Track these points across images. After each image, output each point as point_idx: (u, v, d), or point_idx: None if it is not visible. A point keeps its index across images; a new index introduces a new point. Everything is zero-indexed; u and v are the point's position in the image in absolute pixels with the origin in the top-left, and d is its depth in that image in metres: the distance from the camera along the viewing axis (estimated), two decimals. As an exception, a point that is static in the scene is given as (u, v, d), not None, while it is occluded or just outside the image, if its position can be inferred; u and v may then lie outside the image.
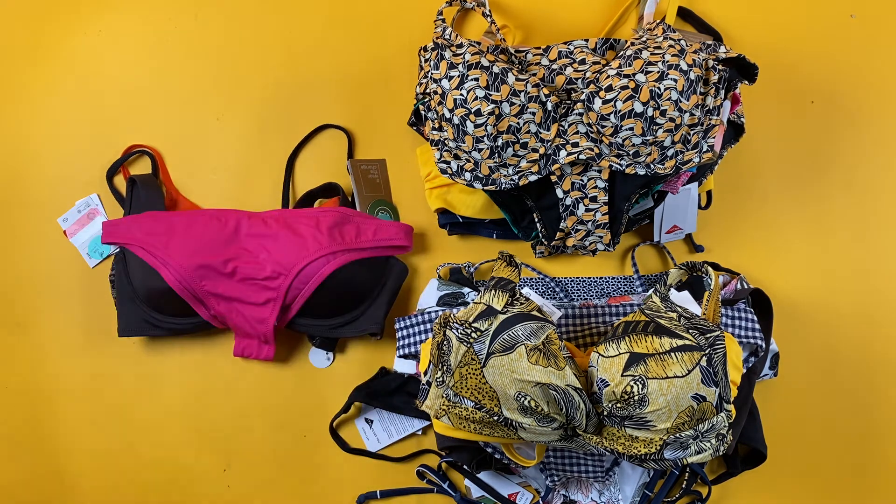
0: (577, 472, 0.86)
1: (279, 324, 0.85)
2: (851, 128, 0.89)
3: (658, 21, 0.80)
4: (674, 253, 0.90)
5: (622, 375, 0.64)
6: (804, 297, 0.88)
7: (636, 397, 0.63)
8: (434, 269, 0.90)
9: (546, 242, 0.84)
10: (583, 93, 0.76)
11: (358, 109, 0.94)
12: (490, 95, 0.72)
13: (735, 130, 0.83)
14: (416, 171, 0.92)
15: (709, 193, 0.87)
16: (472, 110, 0.73)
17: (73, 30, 0.96)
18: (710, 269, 0.72)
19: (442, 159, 0.79)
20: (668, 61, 0.72)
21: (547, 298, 0.88)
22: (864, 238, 0.88)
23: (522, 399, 0.65)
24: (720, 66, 0.76)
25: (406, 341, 0.84)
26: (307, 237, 0.83)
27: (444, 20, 0.79)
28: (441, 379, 0.68)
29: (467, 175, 0.78)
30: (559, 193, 0.79)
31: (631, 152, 0.75)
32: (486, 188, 0.79)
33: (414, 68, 0.91)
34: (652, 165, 0.76)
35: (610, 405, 0.65)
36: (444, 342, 0.68)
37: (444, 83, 0.74)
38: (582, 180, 0.79)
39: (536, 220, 0.83)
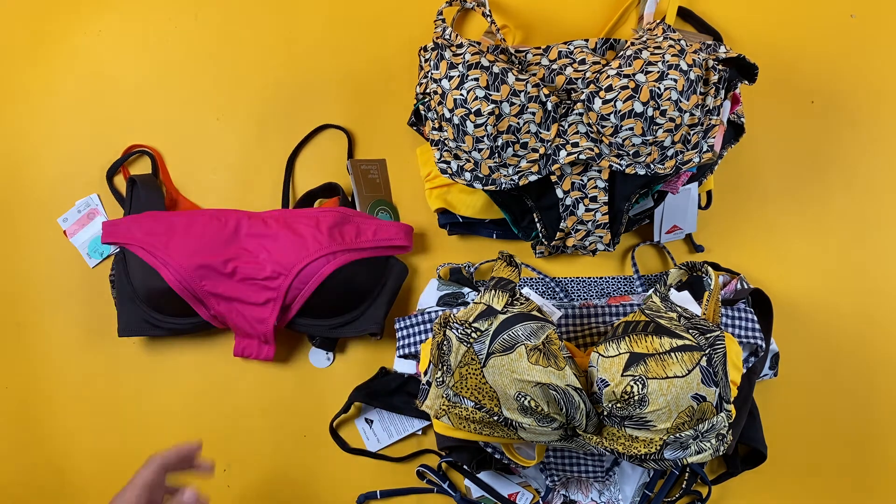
0: (577, 472, 0.86)
1: (279, 324, 0.85)
2: (851, 128, 0.89)
3: (658, 21, 0.80)
4: (674, 253, 0.90)
5: (622, 375, 0.64)
6: (804, 297, 0.88)
7: (636, 397, 0.63)
8: (434, 269, 0.90)
9: (546, 242, 0.84)
10: (583, 93, 0.76)
11: (358, 109, 0.94)
12: (490, 95, 0.72)
13: (735, 130, 0.83)
14: (416, 171, 0.92)
15: (709, 193, 0.87)
16: (472, 110, 0.73)
17: (73, 30, 0.96)
18: (710, 269, 0.72)
19: (442, 159, 0.79)
20: (668, 61, 0.72)
21: (547, 298, 0.88)
22: (864, 238, 0.88)
23: (522, 399, 0.65)
24: (720, 66, 0.76)
25: (406, 341, 0.84)
26: (307, 237, 0.83)
27: (444, 20, 0.79)
28: (441, 379, 0.68)
29: (467, 175, 0.78)
30: (559, 193, 0.79)
31: (631, 152, 0.75)
32: (486, 188, 0.79)
33: (414, 68, 0.91)
34: (652, 165, 0.76)
35: (610, 405, 0.65)
36: (444, 342, 0.68)
37: (444, 83, 0.74)
38: (582, 180, 0.79)
39: (536, 220, 0.83)
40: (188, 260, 0.81)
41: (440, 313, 0.78)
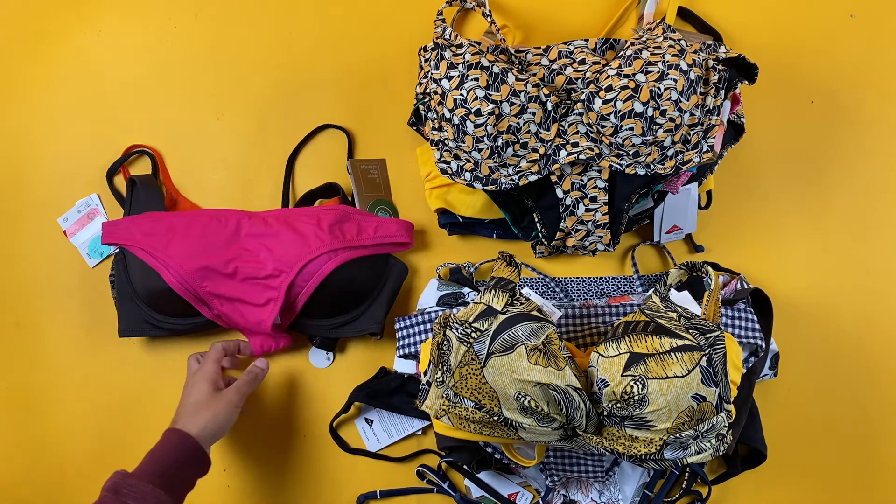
0: (577, 472, 0.86)
1: (283, 323, 0.85)
2: (851, 128, 0.89)
3: (658, 21, 0.80)
4: (674, 253, 0.90)
5: (622, 375, 0.64)
6: (804, 297, 0.88)
7: (636, 397, 0.63)
8: (434, 269, 0.90)
9: (546, 242, 0.84)
10: (583, 93, 0.76)
11: (358, 109, 0.94)
12: (490, 95, 0.72)
13: (735, 130, 0.83)
14: (416, 171, 0.92)
15: (709, 193, 0.87)
16: (472, 110, 0.73)
17: (73, 30, 0.96)
18: (710, 269, 0.72)
19: (442, 159, 0.79)
20: (668, 61, 0.72)
21: (547, 298, 0.88)
22: (864, 238, 0.88)
23: (522, 399, 0.65)
24: (720, 66, 0.76)
25: (406, 341, 0.84)
26: (308, 235, 0.83)
27: (444, 20, 0.79)
28: (441, 379, 0.68)
29: (467, 175, 0.78)
30: (559, 193, 0.79)
31: (631, 152, 0.75)
32: (486, 188, 0.79)
33: (414, 68, 0.91)
34: (652, 165, 0.76)
35: (610, 405, 0.65)
36: (444, 342, 0.68)
37: (444, 83, 0.74)
38: (582, 180, 0.79)
39: (536, 220, 0.83)
40: (189, 261, 0.81)
41: (440, 313, 0.78)
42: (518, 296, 0.69)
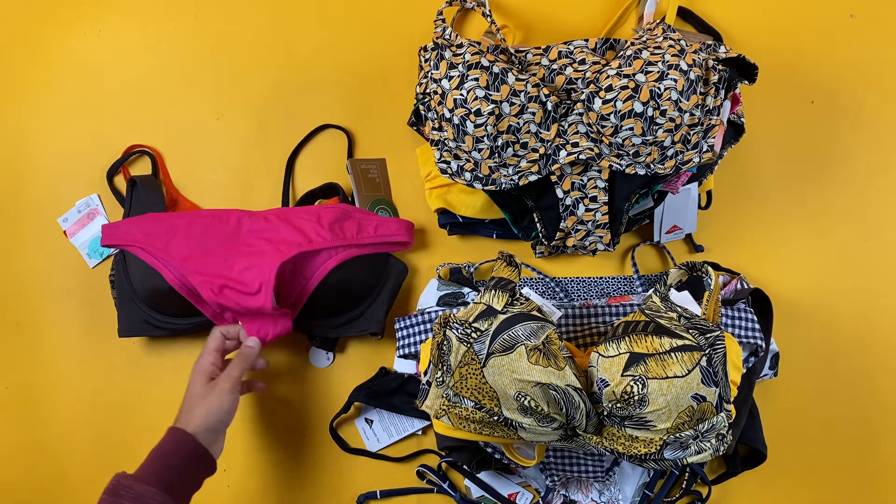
0: (577, 472, 0.86)
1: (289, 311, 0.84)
2: (851, 128, 0.89)
3: (658, 21, 0.80)
4: (674, 253, 0.90)
5: (622, 375, 0.64)
6: (804, 297, 0.88)
7: (636, 397, 0.63)
8: (434, 269, 0.90)
9: (546, 242, 0.84)
10: (583, 93, 0.76)
11: (358, 109, 0.94)
12: (490, 95, 0.72)
13: (735, 130, 0.83)
14: (415, 170, 0.92)
15: (709, 193, 0.87)
16: (472, 110, 0.73)
17: (73, 30, 0.96)
18: (710, 269, 0.72)
19: (442, 159, 0.79)
20: (668, 61, 0.72)
21: (547, 298, 0.88)
22: (864, 238, 0.88)
23: (522, 399, 0.65)
24: (720, 66, 0.76)
25: (406, 341, 0.84)
26: (309, 232, 0.83)
27: (444, 20, 0.79)
28: (441, 379, 0.68)
29: (467, 175, 0.78)
30: (559, 193, 0.79)
31: (631, 152, 0.75)
32: (486, 188, 0.79)
33: (414, 68, 0.91)
34: (652, 165, 0.76)
35: (610, 405, 0.65)
36: (444, 342, 0.68)
37: (444, 83, 0.74)
38: (582, 180, 0.79)
39: (536, 220, 0.83)
40: (189, 260, 0.81)
41: (440, 313, 0.78)
42: (518, 296, 0.69)
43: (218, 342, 0.82)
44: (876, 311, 0.88)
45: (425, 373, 0.73)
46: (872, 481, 0.88)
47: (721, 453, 0.67)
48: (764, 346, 0.78)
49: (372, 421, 0.91)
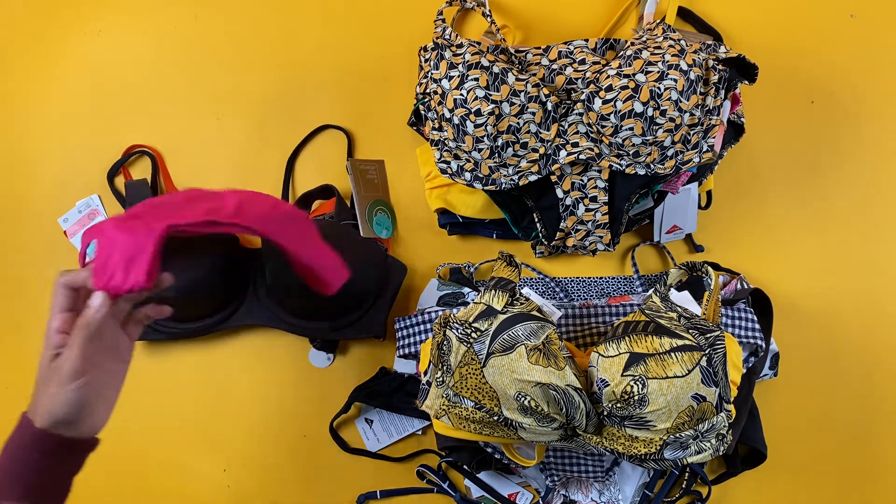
0: (577, 472, 0.86)
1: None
2: (851, 128, 0.89)
3: (658, 21, 0.80)
4: (674, 253, 0.90)
5: (622, 375, 0.64)
6: (804, 297, 0.88)
7: (636, 397, 0.63)
8: (434, 269, 0.90)
9: (546, 242, 0.84)
10: (583, 93, 0.76)
11: (358, 109, 0.94)
12: (490, 95, 0.72)
13: (735, 130, 0.83)
14: (415, 171, 0.92)
15: (709, 193, 0.87)
16: (472, 110, 0.73)
17: (73, 30, 0.96)
18: (710, 269, 0.72)
19: (442, 159, 0.79)
20: (668, 61, 0.72)
21: (547, 298, 0.88)
22: (865, 238, 0.88)
23: (522, 399, 0.65)
24: (720, 66, 0.76)
25: (406, 341, 0.84)
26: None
27: (444, 20, 0.79)
28: (441, 379, 0.68)
29: (467, 175, 0.79)
30: (559, 193, 0.79)
31: (631, 152, 0.75)
32: (486, 188, 0.79)
33: (414, 68, 0.91)
34: (652, 165, 0.76)
35: (610, 405, 0.65)
36: (444, 342, 0.68)
37: (444, 83, 0.74)
38: (582, 180, 0.79)
39: (536, 220, 0.83)
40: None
41: (440, 313, 0.78)
42: (518, 296, 0.69)
43: (63, 299, 0.60)
44: (876, 310, 0.88)
45: (425, 373, 0.73)
46: (872, 481, 0.88)
47: (721, 453, 0.67)
48: (764, 346, 0.78)
49: (372, 421, 0.91)
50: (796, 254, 0.89)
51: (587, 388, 0.67)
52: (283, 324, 0.87)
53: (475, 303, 0.69)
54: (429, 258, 0.92)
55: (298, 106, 0.94)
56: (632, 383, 0.63)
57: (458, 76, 0.73)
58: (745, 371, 0.79)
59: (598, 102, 0.74)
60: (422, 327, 0.83)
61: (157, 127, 0.95)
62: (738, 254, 0.89)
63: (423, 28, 0.90)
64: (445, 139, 0.77)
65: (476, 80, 0.73)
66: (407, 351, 0.84)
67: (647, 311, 0.68)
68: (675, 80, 0.71)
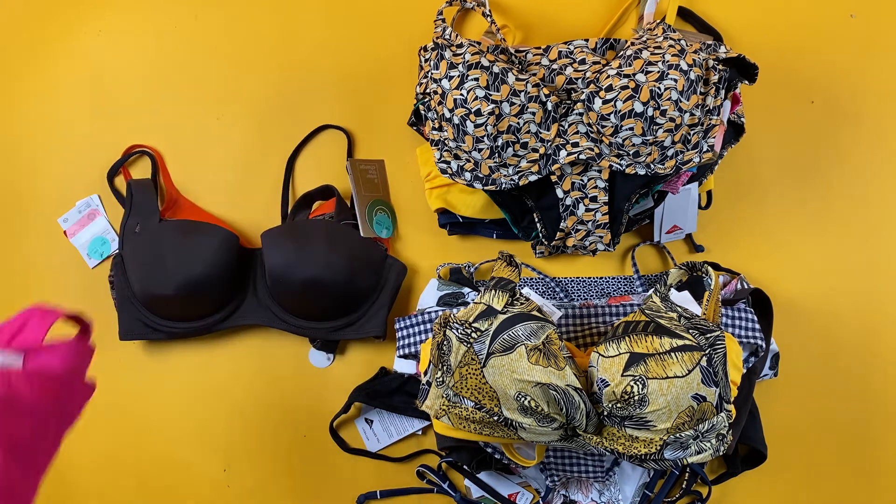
0: (577, 472, 0.86)
1: None
2: (851, 128, 0.89)
3: (658, 21, 0.80)
4: (674, 253, 0.90)
5: (622, 375, 0.64)
6: (804, 297, 0.88)
7: (636, 397, 0.63)
8: (434, 269, 0.90)
9: (546, 242, 0.84)
10: (583, 93, 0.76)
11: (358, 109, 0.94)
12: (490, 95, 0.72)
13: (735, 130, 0.83)
14: (415, 171, 0.92)
15: (709, 193, 0.87)
16: (472, 110, 0.73)
17: (73, 30, 0.96)
18: (710, 269, 0.72)
19: (442, 159, 0.79)
20: (668, 61, 0.72)
21: (547, 298, 0.88)
22: (865, 238, 0.88)
23: (522, 399, 0.65)
24: (720, 66, 0.76)
25: (406, 341, 0.84)
26: None
27: (444, 20, 0.79)
28: (441, 379, 0.68)
29: (467, 175, 0.79)
30: (559, 193, 0.79)
31: (631, 152, 0.75)
32: (486, 188, 0.79)
33: (414, 68, 0.91)
34: (652, 165, 0.76)
35: (610, 405, 0.65)
36: (444, 342, 0.68)
37: (444, 83, 0.74)
38: (582, 180, 0.79)
39: (536, 220, 0.83)
40: None
41: (440, 313, 0.78)
42: (518, 296, 0.69)
43: None
44: (876, 310, 0.88)
45: (425, 373, 0.73)
46: (872, 481, 0.88)
47: (721, 453, 0.67)
48: (764, 346, 0.78)
49: (372, 421, 0.91)
50: (796, 254, 0.89)
51: (587, 388, 0.67)
52: (283, 324, 0.87)
53: (475, 303, 0.69)
54: (429, 258, 0.92)
55: (298, 106, 0.94)
56: (632, 383, 0.63)
57: (458, 76, 0.73)
58: (745, 371, 0.79)
59: (598, 102, 0.74)
60: (422, 327, 0.83)
61: (157, 127, 0.95)
62: (738, 254, 0.89)
63: (423, 28, 0.90)
64: (445, 139, 0.77)
65: (476, 80, 0.73)
66: (407, 351, 0.84)
67: (647, 311, 0.68)
68: (676, 80, 0.71)
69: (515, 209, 0.84)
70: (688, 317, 0.67)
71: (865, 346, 0.88)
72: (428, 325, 0.83)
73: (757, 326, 0.77)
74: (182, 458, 0.93)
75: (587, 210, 0.80)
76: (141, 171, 0.94)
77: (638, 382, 0.63)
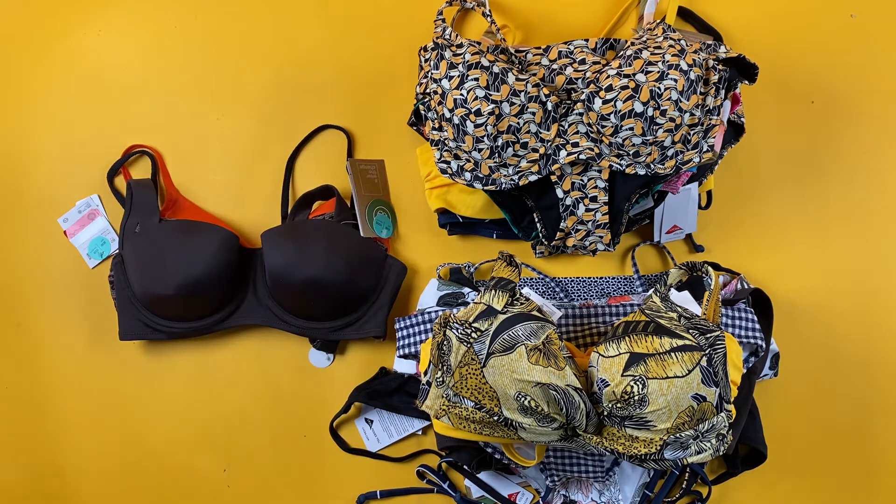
0: (577, 472, 0.86)
1: None
2: (851, 128, 0.89)
3: (658, 21, 0.80)
4: (674, 253, 0.90)
5: (622, 375, 0.64)
6: (804, 297, 0.88)
7: (636, 397, 0.63)
8: (434, 269, 0.90)
9: (546, 242, 0.84)
10: (583, 93, 0.76)
11: (358, 109, 0.94)
12: (490, 95, 0.72)
13: (735, 130, 0.83)
14: (415, 171, 0.92)
15: (709, 193, 0.87)
16: (472, 110, 0.73)
17: (73, 29, 0.96)
18: (710, 269, 0.72)
19: (442, 159, 0.79)
20: (668, 61, 0.72)
21: (547, 298, 0.88)
22: (865, 238, 0.88)
23: (522, 399, 0.65)
24: (720, 66, 0.76)
25: (406, 341, 0.84)
26: None
27: (444, 20, 0.79)
28: (441, 379, 0.68)
29: (467, 175, 0.79)
30: (559, 193, 0.79)
31: (631, 152, 0.75)
32: (486, 188, 0.79)
33: (414, 68, 0.91)
34: (652, 165, 0.76)
35: (610, 405, 0.65)
36: (444, 342, 0.68)
37: (444, 83, 0.74)
38: (582, 180, 0.79)
39: (536, 220, 0.83)
40: None
41: (440, 313, 0.78)
42: (518, 296, 0.69)
43: None
44: (876, 310, 0.88)
45: (425, 373, 0.73)
46: (872, 481, 0.88)
47: (721, 453, 0.67)
48: (764, 346, 0.78)
49: (372, 421, 0.91)
50: (796, 254, 0.89)
51: (587, 388, 0.67)
52: (283, 324, 0.87)
53: (475, 303, 0.69)
54: (429, 258, 0.92)
55: (298, 106, 0.94)
56: (632, 383, 0.63)
57: (458, 76, 0.73)
58: (745, 371, 0.79)
59: (598, 102, 0.74)
60: (422, 327, 0.83)
61: (156, 127, 0.95)
62: (738, 254, 0.89)
63: (423, 28, 0.90)
64: (445, 139, 0.77)
65: (476, 80, 0.73)
66: (407, 351, 0.84)
67: (647, 311, 0.68)
68: (676, 80, 0.71)
69: (515, 209, 0.84)
70: (688, 317, 0.67)
71: (865, 346, 0.88)
72: (428, 325, 0.83)
73: (757, 326, 0.77)
74: (182, 458, 0.93)
75: (587, 210, 0.80)
76: (141, 171, 0.94)
77: (638, 382, 0.63)
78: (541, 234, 0.84)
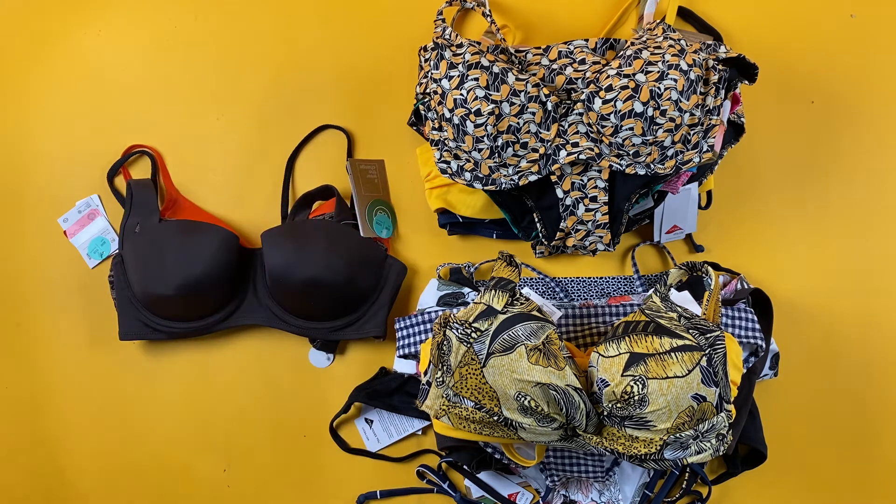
0: (577, 472, 0.86)
1: None
2: (851, 128, 0.89)
3: (658, 21, 0.80)
4: (674, 253, 0.90)
5: (622, 375, 0.64)
6: (804, 297, 0.88)
7: (636, 397, 0.63)
8: (434, 269, 0.90)
9: (546, 242, 0.84)
10: (583, 93, 0.76)
11: (358, 109, 0.94)
12: (490, 95, 0.72)
13: (735, 130, 0.83)
14: (415, 171, 0.92)
15: (709, 193, 0.87)
16: (472, 110, 0.73)
17: (73, 30, 0.96)
18: (710, 269, 0.72)
19: (442, 159, 0.79)
20: (668, 61, 0.72)
21: (547, 298, 0.88)
22: (864, 238, 0.88)
23: (522, 399, 0.65)
24: (720, 66, 0.76)
25: (406, 341, 0.84)
26: None
27: (444, 20, 0.79)
28: (441, 379, 0.68)
29: (467, 175, 0.79)
30: (559, 193, 0.79)
31: (631, 152, 0.75)
32: (486, 188, 0.79)
33: (414, 68, 0.91)
34: (652, 165, 0.76)
35: (610, 405, 0.65)
36: (444, 342, 0.68)
37: (444, 83, 0.74)
38: (582, 180, 0.79)
39: (536, 220, 0.83)
40: None
41: (440, 313, 0.78)
42: (518, 296, 0.69)
43: None
44: (876, 310, 0.88)
45: (425, 373, 0.73)
46: (872, 481, 0.88)
47: (721, 453, 0.67)
48: (764, 346, 0.78)
49: (372, 421, 0.91)
50: (796, 254, 0.89)
51: (587, 388, 0.67)
52: (283, 324, 0.87)
53: (475, 303, 0.69)
54: (429, 258, 0.92)
55: (298, 106, 0.94)
56: (632, 383, 0.63)
57: (458, 76, 0.73)
58: (745, 371, 0.79)
59: (598, 102, 0.74)
60: (422, 327, 0.83)
61: (156, 127, 0.95)
62: (738, 254, 0.89)
63: (423, 28, 0.90)
64: (445, 139, 0.77)
65: (476, 79, 0.73)
66: (407, 351, 0.84)
67: (647, 311, 0.68)
68: (675, 80, 0.71)
69: (515, 209, 0.84)
70: (688, 317, 0.67)
71: (865, 346, 0.88)
72: (428, 325, 0.83)
73: (757, 326, 0.77)
74: (182, 458, 0.93)
75: (587, 210, 0.80)
76: (141, 170, 0.94)
77: (638, 382, 0.63)
78: (541, 234, 0.84)
